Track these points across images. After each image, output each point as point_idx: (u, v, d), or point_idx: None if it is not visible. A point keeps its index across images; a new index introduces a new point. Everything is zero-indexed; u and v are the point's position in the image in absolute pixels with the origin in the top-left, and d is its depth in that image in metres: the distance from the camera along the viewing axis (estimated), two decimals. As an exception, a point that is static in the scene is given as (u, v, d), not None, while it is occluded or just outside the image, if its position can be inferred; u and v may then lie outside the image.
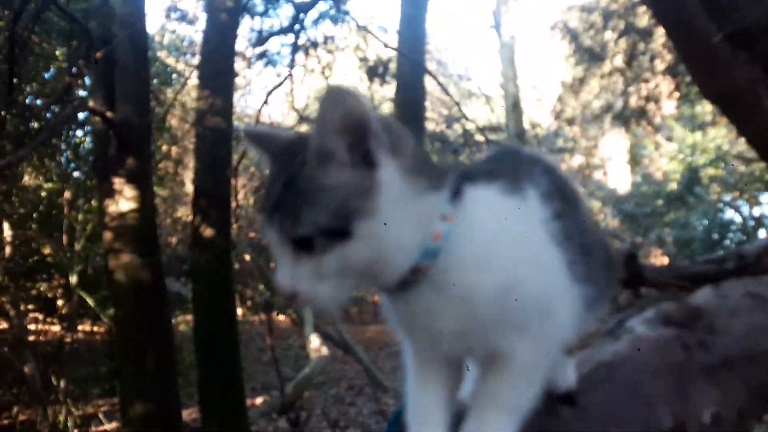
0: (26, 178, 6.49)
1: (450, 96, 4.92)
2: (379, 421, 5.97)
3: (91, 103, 4.86)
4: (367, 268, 0.70)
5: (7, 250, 5.72)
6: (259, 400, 6.49)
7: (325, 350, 7.17)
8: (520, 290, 0.73)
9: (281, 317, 11.47)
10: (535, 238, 0.76)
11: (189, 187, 10.49)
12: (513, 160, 0.88)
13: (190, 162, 10.30)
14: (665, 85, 6.57)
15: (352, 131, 0.68)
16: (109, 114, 4.68)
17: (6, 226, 5.60)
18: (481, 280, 0.72)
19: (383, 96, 8.55)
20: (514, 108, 10.09)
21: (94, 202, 6.25)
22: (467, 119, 4.91)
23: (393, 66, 4.78)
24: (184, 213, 10.73)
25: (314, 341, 7.26)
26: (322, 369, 7.20)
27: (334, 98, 0.67)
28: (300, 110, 5.85)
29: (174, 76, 9.38)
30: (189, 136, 10.02)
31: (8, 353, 5.41)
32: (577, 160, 13.57)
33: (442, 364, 0.81)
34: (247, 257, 9.39)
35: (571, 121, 12.05)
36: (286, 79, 4.65)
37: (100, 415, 5.76)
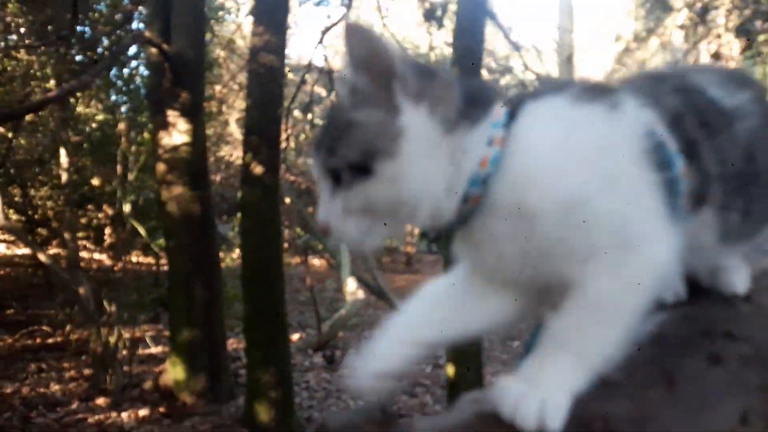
0: (80, 108, 6.64)
1: (512, 43, 4.76)
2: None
3: (147, 34, 4.88)
4: (391, 208, 0.69)
5: (63, 176, 5.92)
6: (295, 336, 6.70)
7: (361, 294, 7.31)
8: (588, 208, 0.66)
9: (317, 261, 11.70)
10: (617, 151, 0.69)
11: (233, 128, 10.59)
12: (634, 80, 0.81)
13: (235, 102, 10.37)
14: (735, 43, 6.22)
15: (378, 71, 0.68)
16: (165, 46, 4.70)
17: (63, 152, 5.77)
18: (537, 195, 0.67)
19: (442, 41, 8.32)
20: (568, 62, 9.75)
21: (146, 135, 6.38)
22: (528, 68, 4.76)
23: (453, 9, 4.62)
24: (227, 152, 10.87)
25: (351, 284, 7.40)
26: (357, 312, 7.36)
27: (357, 35, 0.67)
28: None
29: (222, 13, 9.31)
30: (235, 76, 10.03)
31: (65, 274, 5.67)
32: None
33: (501, 291, 0.77)
34: (288, 200, 9.52)
35: (623, 80, 11.56)
36: (343, 18, 4.55)
37: (147, 339, 6.05)
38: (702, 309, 0.79)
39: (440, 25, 4.86)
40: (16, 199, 7.12)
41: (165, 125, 4.85)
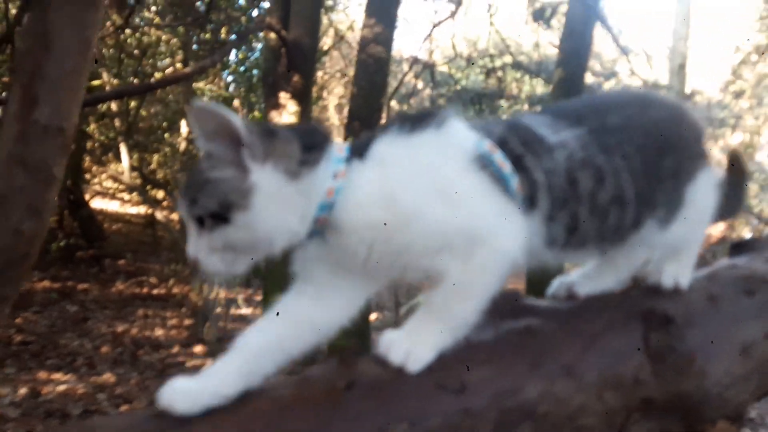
0: (198, 84, 7.25)
1: (620, 47, 4.70)
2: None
3: (269, 20, 5.27)
4: (249, 247, 0.84)
5: (182, 145, 6.51)
6: (373, 316, 6.98)
7: (439, 284, 7.45)
8: (425, 222, 0.82)
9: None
10: (447, 170, 0.85)
11: (331, 113, 11.04)
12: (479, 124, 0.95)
13: (335, 89, 10.79)
14: None
15: (227, 140, 0.81)
16: (284, 33, 5.07)
17: (183, 123, 6.36)
18: (371, 220, 0.83)
19: (546, 41, 8.25)
20: (680, 70, 9.30)
21: (256, 113, 6.87)
22: (634, 73, 4.69)
23: (562, 10, 4.64)
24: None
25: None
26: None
27: (205, 113, 0.81)
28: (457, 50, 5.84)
29: (331, 3, 9.71)
30: (335, 62, 10.45)
31: (176, 233, 6.27)
32: (738, 138, 12.34)
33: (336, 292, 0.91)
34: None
35: (739, 95, 10.86)
36: (452, 15, 4.70)
37: (239, 301, 6.57)
38: (746, 263, 1.07)
39: (548, 26, 4.88)
40: (135, 163, 7.90)
41: (276, 106, 5.23)
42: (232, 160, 0.82)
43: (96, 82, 6.07)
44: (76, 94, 1.57)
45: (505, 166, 0.87)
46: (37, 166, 1.50)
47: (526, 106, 8.16)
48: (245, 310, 6.38)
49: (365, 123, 4.83)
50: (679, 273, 1.02)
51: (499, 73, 7.11)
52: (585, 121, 0.94)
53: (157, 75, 6.68)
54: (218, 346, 5.26)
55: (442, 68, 8.00)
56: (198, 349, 5.12)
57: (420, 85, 9.24)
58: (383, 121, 5.15)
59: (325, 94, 10.78)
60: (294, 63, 5.10)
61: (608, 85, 9.63)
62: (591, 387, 0.86)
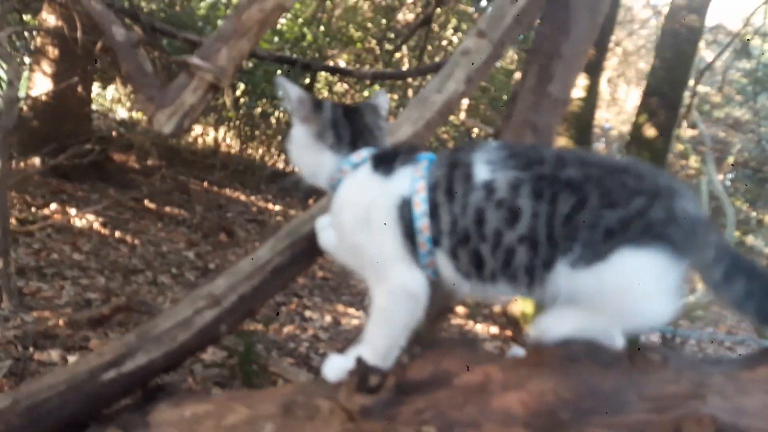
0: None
1: None
2: None
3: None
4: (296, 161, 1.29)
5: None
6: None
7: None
8: (352, 243, 1.14)
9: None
10: (378, 210, 1.11)
11: (602, 87, 10.40)
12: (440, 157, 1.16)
13: (609, 61, 10.07)
14: None
15: (293, 103, 1.25)
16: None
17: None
18: (336, 218, 1.21)
19: None
20: None
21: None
22: None
23: None
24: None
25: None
26: (705, 304, 6.71)
27: (281, 85, 1.25)
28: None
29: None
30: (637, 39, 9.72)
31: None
32: None
33: None
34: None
35: None
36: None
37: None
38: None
39: None
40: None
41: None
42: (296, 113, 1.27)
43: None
44: (578, 72, 1.84)
45: (420, 209, 1.09)
46: (544, 130, 1.79)
47: None
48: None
49: (666, 100, 4.43)
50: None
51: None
52: (536, 167, 1.02)
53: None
54: (476, 309, 5.51)
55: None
56: (460, 310, 5.44)
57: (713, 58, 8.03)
58: (686, 101, 4.62)
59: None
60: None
61: None
62: None
